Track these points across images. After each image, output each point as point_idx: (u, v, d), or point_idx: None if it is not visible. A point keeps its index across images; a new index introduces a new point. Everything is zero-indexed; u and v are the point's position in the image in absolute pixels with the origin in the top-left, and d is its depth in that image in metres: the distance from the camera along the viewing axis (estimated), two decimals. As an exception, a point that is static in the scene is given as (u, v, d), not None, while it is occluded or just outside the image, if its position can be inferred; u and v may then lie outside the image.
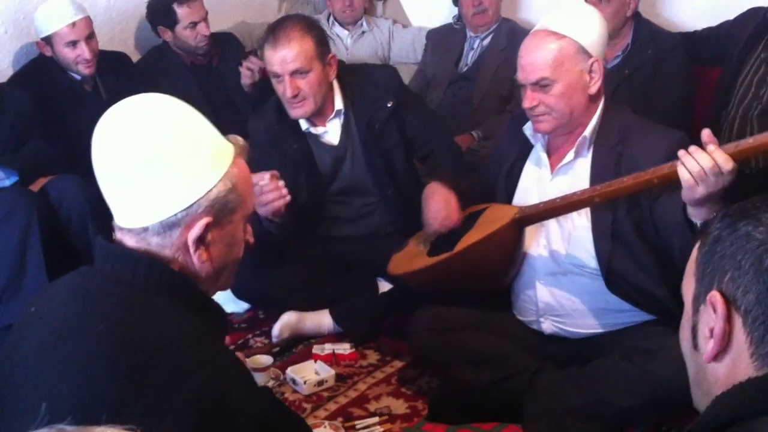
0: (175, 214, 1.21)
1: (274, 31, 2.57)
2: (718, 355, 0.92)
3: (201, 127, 1.25)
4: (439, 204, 2.39)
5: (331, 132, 2.77)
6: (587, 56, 2.11)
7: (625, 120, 2.18)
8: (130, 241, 1.24)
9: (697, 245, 0.99)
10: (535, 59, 2.11)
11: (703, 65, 3.42)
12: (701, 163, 1.73)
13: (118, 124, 1.22)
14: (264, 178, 2.37)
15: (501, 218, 2.25)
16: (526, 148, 2.31)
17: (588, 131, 2.16)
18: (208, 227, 1.23)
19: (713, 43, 3.38)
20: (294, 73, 2.55)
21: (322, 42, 2.62)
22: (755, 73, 3.13)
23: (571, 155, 2.18)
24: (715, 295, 0.91)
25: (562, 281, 2.22)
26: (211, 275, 1.29)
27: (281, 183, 2.39)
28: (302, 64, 2.55)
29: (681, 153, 1.78)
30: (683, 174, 1.76)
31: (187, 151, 1.20)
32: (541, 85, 2.11)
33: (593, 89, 2.13)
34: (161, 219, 1.21)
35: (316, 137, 2.76)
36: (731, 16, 3.34)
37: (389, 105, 2.73)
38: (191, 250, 1.23)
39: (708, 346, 0.92)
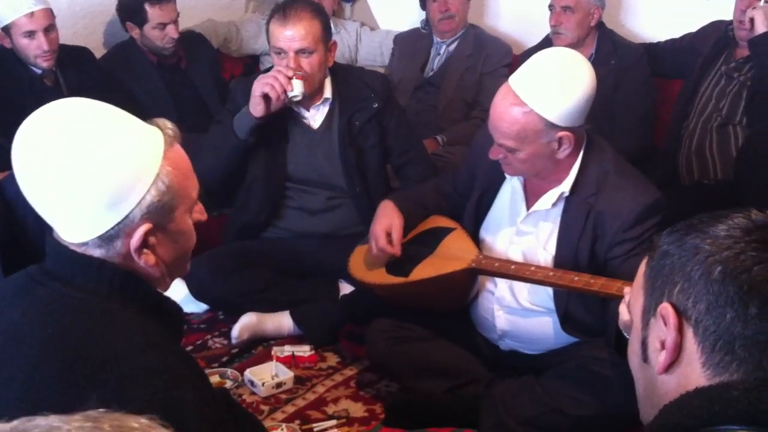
0: (112, 228, 1.18)
1: (285, 8, 2.66)
2: (670, 367, 0.92)
3: (125, 129, 1.19)
4: (380, 231, 2.37)
5: (314, 117, 2.82)
6: (554, 130, 1.99)
7: (604, 166, 2.09)
8: (75, 248, 1.21)
9: (644, 261, 1.00)
10: (500, 126, 2.02)
11: (665, 77, 3.46)
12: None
13: (36, 143, 1.16)
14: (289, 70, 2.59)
15: (457, 260, 2.23)
16: (502, 174, 2.23)
17: (567, 187, 2.09)
18: (148, 233, 1.20)
19: (675, 55, 3.42)
20: (299, 52, 2.64)
21: (327, 27, 2.74)
22: (716, 85, 3.18)
23: (547, 204, 2.13)
24: (666, 307, 0.92)
25: (521, 315, 2.24)
26: (164, 272, 1.27)
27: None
28: (309, 44, 2.64)
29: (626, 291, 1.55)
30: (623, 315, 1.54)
31: (113, 161, 1.14)
32: (506, 148, 2.04)
33: (561, 155, 2.04)
34: (98, 234, 1.18)
35: (298, 117, 2.81)
36: (693, 29, 3.40)
37: (375, 106, 2.80)
38: (135, 257, 1.21)
39: (660, 357, 0.93)
